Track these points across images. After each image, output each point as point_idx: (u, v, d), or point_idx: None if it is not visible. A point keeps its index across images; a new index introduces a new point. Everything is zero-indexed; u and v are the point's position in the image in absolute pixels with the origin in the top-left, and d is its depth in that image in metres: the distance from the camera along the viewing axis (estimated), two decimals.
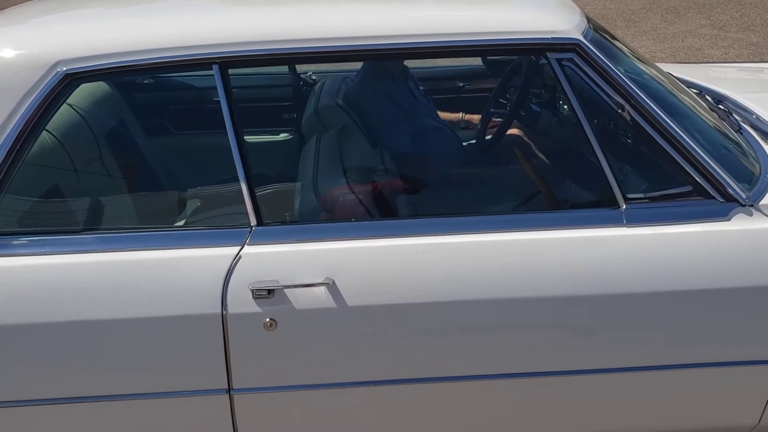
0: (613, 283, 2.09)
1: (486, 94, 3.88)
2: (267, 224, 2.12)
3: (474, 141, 3.61)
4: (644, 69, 2.45)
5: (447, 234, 2.11)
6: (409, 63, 3.43)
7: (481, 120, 3.60)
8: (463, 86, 4.08)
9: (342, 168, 2.48)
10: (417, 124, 3.29)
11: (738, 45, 8.08)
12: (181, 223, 2.34)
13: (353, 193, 2.31)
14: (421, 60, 4.38)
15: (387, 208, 2.49)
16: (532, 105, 3.48)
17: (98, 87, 2.64)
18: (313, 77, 4.02)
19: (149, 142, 2.74)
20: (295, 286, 2.04)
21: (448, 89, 4.05)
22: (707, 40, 8.43)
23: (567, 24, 2.20)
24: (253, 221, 2.11)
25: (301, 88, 4.00)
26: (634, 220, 2.14)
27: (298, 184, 2.47)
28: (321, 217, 2.29)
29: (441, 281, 2.07)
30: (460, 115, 3.81)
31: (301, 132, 3.40)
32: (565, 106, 3.31)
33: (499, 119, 3.53)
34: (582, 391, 2.19)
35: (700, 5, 10.03)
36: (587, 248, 2.11)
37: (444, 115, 3.63)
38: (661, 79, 2.50)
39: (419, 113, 3.35)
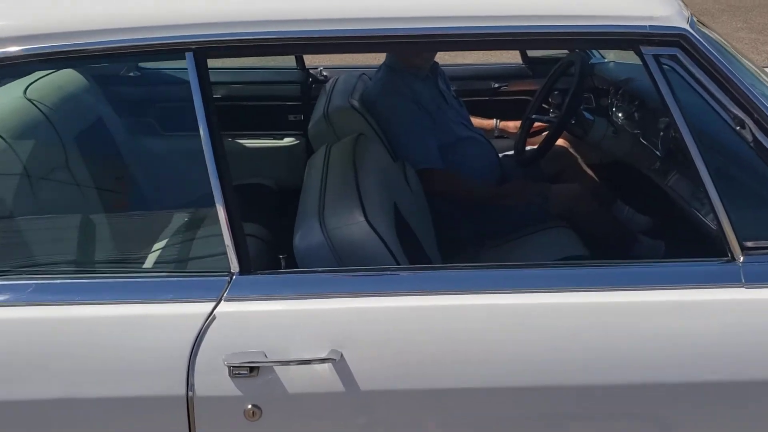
0: (728, 366, 1.53)
1: (526, 98, 3.35)
2: (254, 271, 1.57)
3: (512, 152, 3.06)
4: (765, 77, 1.86)
5: (497, 292, 1.55)
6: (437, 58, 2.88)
7: (521, 128, 3.07)
8: (499, 87, 3.55)
9: (356, 189, 1.91)
10: (447, 133, 2.79)
11: None
12: (139, 266, 1.78)
13: (371, 227, 1.74)
14: (454, 53, 3.86)
15: (416, 248, 1.92)
16: (585, 112, 2.92)
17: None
18: (324, 73, 3.61)
19: (101, 154, 2.18)
20: (289, 363, 1.49)
21: (479, 91, 3.57)
22: (746, 44, 7.98)
23: (668, 9, 1.63)
24: (234, 266, 1.56)
25: (310, 85, 3.52)
26: (756, 279, 1.56)
27: (299, 211, 1.90)
28: (329, 261, 1.71)
29: (489, 357, 1.52)
30: (493, 122, 3.28)
31: (308, 138, 2.86)
32: (637, 114, 2.75)
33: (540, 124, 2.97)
34: None
35: (735, 8, 9.66)
36: (688, 319, 1.56)
37: (475, 121, 3.09)
38: None
39: (450, 120, 2.84)
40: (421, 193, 2.44)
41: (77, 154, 2.12)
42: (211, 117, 1.55)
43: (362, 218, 1.74)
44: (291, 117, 3.45)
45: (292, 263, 1.74)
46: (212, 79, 3.36)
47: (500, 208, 2.66)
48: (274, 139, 3.34)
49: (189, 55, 1.57)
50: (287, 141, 3.34)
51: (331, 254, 1.72)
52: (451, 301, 1.54)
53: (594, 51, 3.37)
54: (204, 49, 1.57)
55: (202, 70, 1.57)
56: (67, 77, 2.45)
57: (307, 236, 1.76)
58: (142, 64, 3.23)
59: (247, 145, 3.28)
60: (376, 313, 1.53)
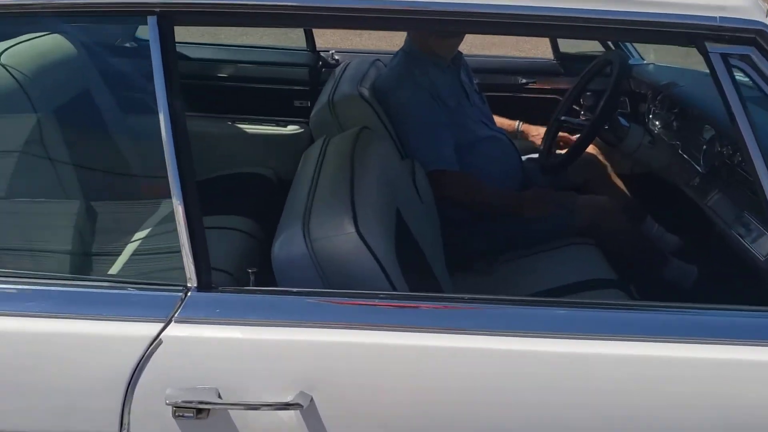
0: None
1: (555, 97, 3.06)
2: (215, 287, 1.29)
3: (536, 156, 2.77)
4: None
5: (510, 334, 1.26)
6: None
7: (548, 129, 2.79)
8: (526, 84, 3.27)
9: (350, 193, 1.62)
10: (466, 132, 2.50)
11: None
12: (78, 273, 1.49)
13: (363, 240, 1.45)
14: (479, 46, 3.56)
15: (419, 263, 1.63)
16: (620, 117, 2.62)
17: None
18: (336, 56, 3.34)
19: (64, 136, 1.90)
20: (245, 406, 1.20)
21: (504, 86, 3.28)
22: None
23: None
24: (191, 279, 1.28)
25: (320, 69, 3.27)
26: None
27: (284, 212, 1.61)
28: (311, 278, 1.42)
29: (494, 414, 1.23)
30: (515, 123, 2.99)
31: (312, 127, 2.58)
32: (676, 123, 2.46)
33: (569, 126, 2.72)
34: None
35: None
36: (737, 383, 1.25)
37: (495, 119, 2.79)
38: None
39: (470, 117, 2.55)
40: (431, 197, 2.15)
41: (44, 133, 1.85)
42: (173, 98, 1.26)
43: (352, 229, 1.45)
44: (297, 103, 3.18)
45: (270, 276, 1.46)
46: (209, 55, 3.07)
47: (519, 218, 2.37)
48: (277, 126, 3.04)
49: (152, 19, 1.28)
50: (291, 129, 3.04)
51: (314, 270, 1.43)
52: (451, 342, 1.24)
53: (633, 51, 3.07)
54: (170, 13, 1.28)
55: (167, 39, 1.28)
56: (53, 44, 2.18)
57: (287, 245, 1.47)
58: (139, 35, 2.96)
59: (246, 130, 3.00)
60: (357, 350, 1.24)
